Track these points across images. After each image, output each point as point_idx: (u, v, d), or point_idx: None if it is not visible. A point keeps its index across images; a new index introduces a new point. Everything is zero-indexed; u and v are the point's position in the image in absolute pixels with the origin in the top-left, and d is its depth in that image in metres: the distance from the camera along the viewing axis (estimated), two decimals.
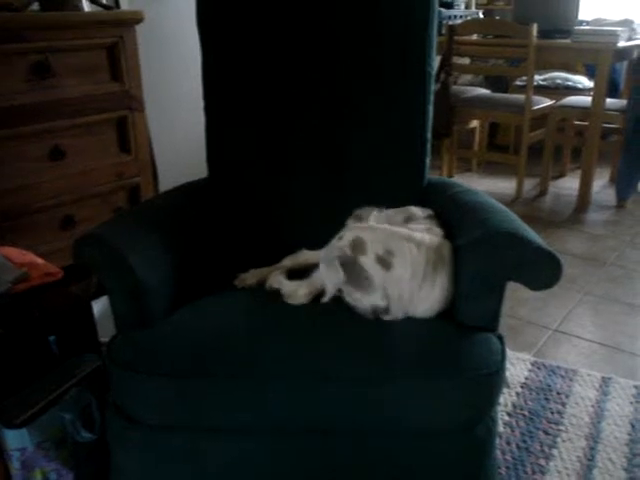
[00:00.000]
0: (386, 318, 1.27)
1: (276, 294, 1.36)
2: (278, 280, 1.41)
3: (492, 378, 1.20)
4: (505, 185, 3.93)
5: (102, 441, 1.37)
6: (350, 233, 1.31)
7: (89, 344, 1.69)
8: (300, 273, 1.43)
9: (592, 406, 1.88)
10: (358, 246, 1.26)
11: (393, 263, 1.26)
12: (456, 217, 1.44)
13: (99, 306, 1.76)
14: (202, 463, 1.21)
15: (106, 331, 1.36)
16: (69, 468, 1.44)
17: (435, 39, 1.69)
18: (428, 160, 1.71)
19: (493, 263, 1.22)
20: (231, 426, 1.20)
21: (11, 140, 1.84)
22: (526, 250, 1.19)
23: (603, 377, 2.02)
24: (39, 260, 1.62)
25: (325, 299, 1.32)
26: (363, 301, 1.26)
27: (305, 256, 1.51)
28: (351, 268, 1.26)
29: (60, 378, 1.46)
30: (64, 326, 1.65)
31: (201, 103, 1.76)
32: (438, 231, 1.39)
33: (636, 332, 2.31)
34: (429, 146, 1.71)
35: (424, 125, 1.69)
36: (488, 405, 1.24)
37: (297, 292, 1.33)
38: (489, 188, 1.45)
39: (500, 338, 1.28)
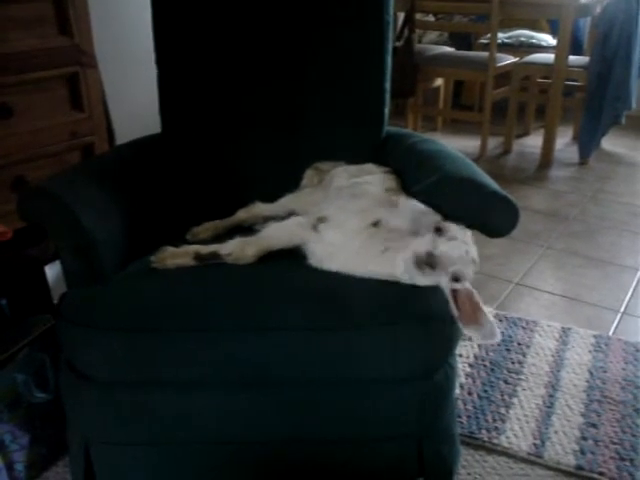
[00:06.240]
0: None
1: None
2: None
3: (449, 325, 1.19)
4: (470, 144, 3.92)
5: (58, 402, 1.34)
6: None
7: (43, 307, 1.64)
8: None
9: (552, 355, 1.91)
10: None
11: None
12: (413, 166, 1.42)
13: (55, 269, 1.72)
14: (156, 418, 1.19)
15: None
16: (25, 430, 1.41)
17: None
18: (387, 110, 1.68)
19: (448, 208, 1.21)
20: (183, 380, 1.18)
21: None
22: (482, 195, 1.18)
23: (563, 327, 2.05)
24: None
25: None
26: None
27: (259, 209, 1.47)
28: None
29: (11, 339, 1.42)
30: (16, 289, 1.60)
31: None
32: (395, 185, 1.40)
33: (595, 284, 2.35)
34: (388, 97, 1.68)
35: (382, 75, 1.65)
36: (446, 352, 1.24)
37: (245, 251, 1.26)
38: (454, 147, 1.44)
39: None
